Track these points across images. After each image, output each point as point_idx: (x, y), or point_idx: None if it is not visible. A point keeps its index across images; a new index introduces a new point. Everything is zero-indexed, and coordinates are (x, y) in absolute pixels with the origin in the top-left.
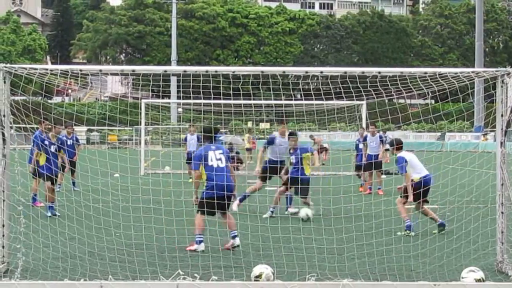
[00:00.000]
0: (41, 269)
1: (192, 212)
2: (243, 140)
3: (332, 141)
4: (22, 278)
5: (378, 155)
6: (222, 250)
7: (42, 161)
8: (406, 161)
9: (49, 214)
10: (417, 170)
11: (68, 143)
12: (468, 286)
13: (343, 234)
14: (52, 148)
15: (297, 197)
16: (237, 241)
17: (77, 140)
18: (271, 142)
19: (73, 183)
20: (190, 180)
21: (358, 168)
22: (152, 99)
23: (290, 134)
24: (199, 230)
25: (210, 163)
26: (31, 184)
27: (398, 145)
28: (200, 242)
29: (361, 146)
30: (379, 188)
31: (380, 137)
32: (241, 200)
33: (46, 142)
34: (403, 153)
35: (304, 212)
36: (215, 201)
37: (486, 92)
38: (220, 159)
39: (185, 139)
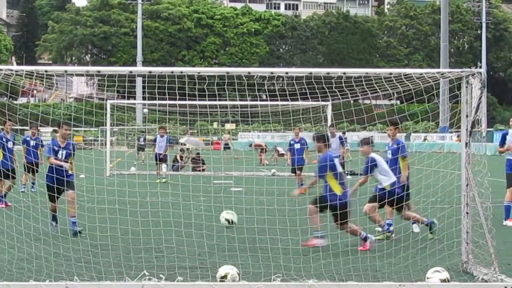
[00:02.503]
0: (6, 270)
1: (157, 213)
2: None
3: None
4: None
5: (338, 156)
6: (188, 250)
7: None
8: (376, 164)
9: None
10: (386, 174)
11: (31, 144)
12: (434, 287)
13: (308, 235)
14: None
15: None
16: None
17: (41, 141)
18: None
19: (33, 183)
20: (158, 181)
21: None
22: (117, 100)
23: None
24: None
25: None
26: None
27: (366, 144)
28: (323, 237)
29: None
30: None
31: (340, 138)
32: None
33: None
34: (373, 154)
35: (223, 217)
36: None
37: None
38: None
39: (154, 140)
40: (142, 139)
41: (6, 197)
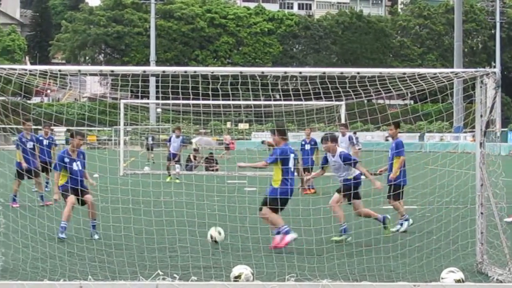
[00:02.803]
0: (21, 269)
1: (171, 212)
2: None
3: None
4: (2, 278)
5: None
6: (202, 250)
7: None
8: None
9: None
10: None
11: (44, 143)
12: (448, 287)
13: (322, 235)
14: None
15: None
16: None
17: (53, 140)
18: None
19: (46, 183)
20: (168, 179)
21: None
22: (131, 99)
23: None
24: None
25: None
26: (10, 185)
27: (333, 140)
28: (287, 232)
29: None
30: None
31: (350, 137)
32: None
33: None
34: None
35: (209, 232)
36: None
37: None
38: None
39: (169, 140)
40: (150, 138)
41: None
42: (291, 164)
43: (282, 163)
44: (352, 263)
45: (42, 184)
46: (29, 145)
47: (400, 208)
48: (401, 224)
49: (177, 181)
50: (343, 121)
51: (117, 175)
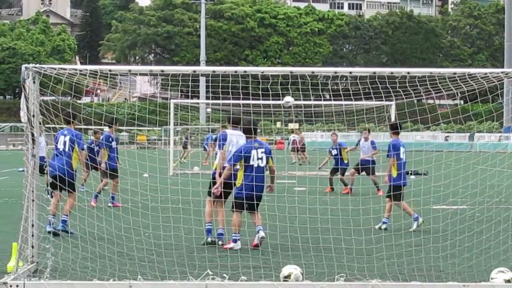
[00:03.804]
0: (70, 269)
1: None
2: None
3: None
4: (51, 278)
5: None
6: (251, 250)
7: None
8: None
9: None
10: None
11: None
12: (498, 287)
13: (372, 235)
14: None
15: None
16: (262, 233)
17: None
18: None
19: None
20: None
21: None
22: (181, 99)
23: None
24: (236, 228)
25: (251, 162)
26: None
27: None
28: (236, 240)
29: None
30: (378, 189)
31: (373, 142)
32: None
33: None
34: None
35: None
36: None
37: None
38: (261, 159)
39: (215, 140)
40: (185, 137)
41: (115, 199)
42: (252, 161)
43: (244, 161)
44: (401, 263)
45: (117, 185)
46: (113, 144)
47: (407, 208)
48: (416, 219)
49: None
50: (392, 119)
51: (167, 175)
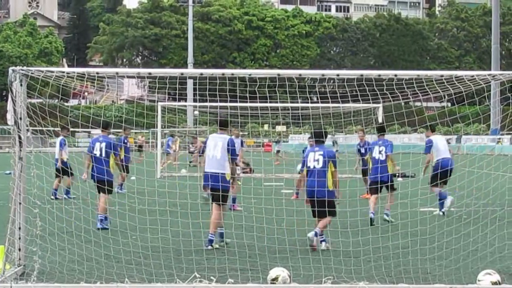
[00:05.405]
0: (58, 272)
1: (208, 215)
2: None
3: (348, 144)
4: (39, 281)
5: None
6: (239, 252)
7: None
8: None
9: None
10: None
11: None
12: None
13: (359, 237)
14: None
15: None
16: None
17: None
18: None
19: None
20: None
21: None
22: (168, 102)
23: None
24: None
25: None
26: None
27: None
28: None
29: (362, 150)
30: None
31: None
32: None
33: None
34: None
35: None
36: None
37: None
38: (317, 160)
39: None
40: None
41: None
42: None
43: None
44: (389, 265)
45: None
46: (128, 145)
47: (372, 202)
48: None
49: None
50: (380, 120)
51: (154, 177)
